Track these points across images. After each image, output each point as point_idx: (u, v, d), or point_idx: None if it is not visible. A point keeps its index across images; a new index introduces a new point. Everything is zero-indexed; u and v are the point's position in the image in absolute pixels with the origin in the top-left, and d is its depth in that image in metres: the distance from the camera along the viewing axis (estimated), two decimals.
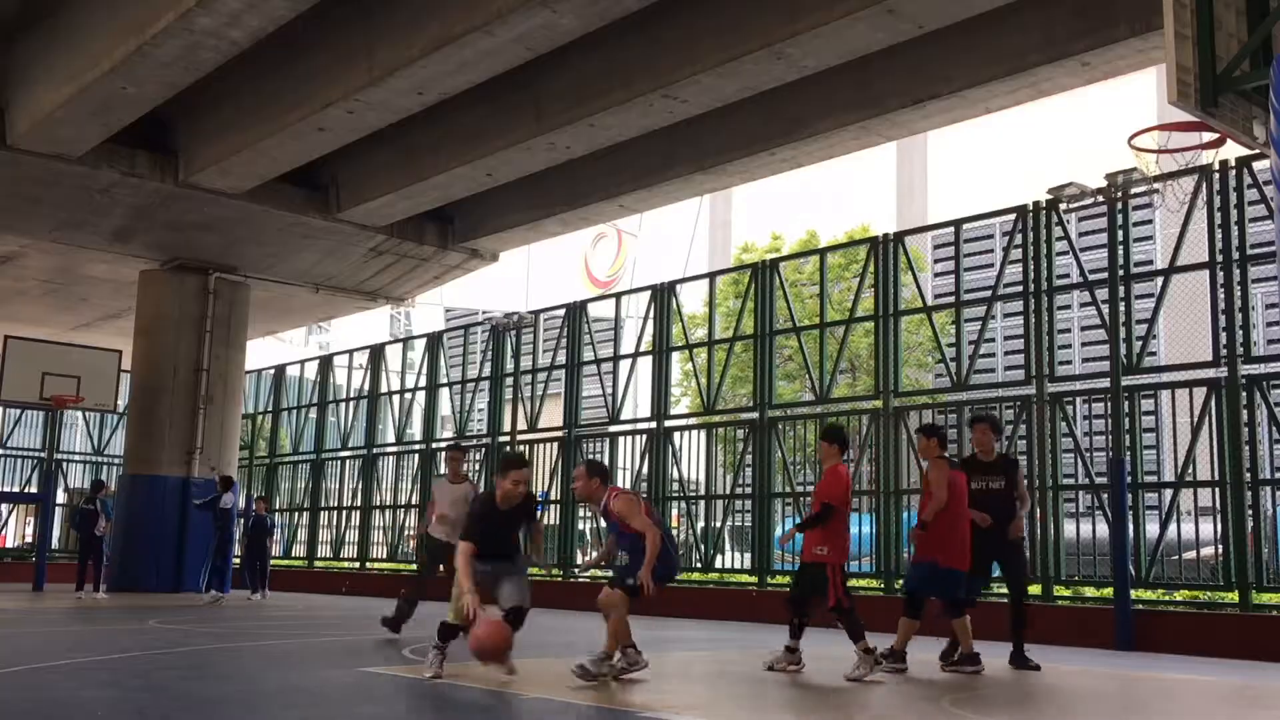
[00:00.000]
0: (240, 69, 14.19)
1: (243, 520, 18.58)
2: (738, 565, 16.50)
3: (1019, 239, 13.20)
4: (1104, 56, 12.10)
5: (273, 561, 23.27)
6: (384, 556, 21.84)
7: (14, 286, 21.79)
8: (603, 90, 13.84)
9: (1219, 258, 11.55)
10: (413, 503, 21.27)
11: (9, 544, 26.60)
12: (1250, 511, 11.06)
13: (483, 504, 7.40)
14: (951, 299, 14.61)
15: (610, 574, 7.65)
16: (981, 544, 8.44)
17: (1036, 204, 13.03)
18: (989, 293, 13.85)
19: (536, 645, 10.63)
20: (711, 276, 18.16)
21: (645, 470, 16.87)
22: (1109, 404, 12.16)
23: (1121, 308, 12.17)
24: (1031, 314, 12.95)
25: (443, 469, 11.38)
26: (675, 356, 18.11)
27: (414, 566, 20.54)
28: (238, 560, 18.87)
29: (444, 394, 21.16)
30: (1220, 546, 11.25)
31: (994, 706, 6.76)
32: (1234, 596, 11.11)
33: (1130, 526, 11.52)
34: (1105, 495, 11.96)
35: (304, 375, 25.24)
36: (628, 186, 16.96)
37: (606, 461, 17.74)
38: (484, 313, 34.66)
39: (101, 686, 6.64)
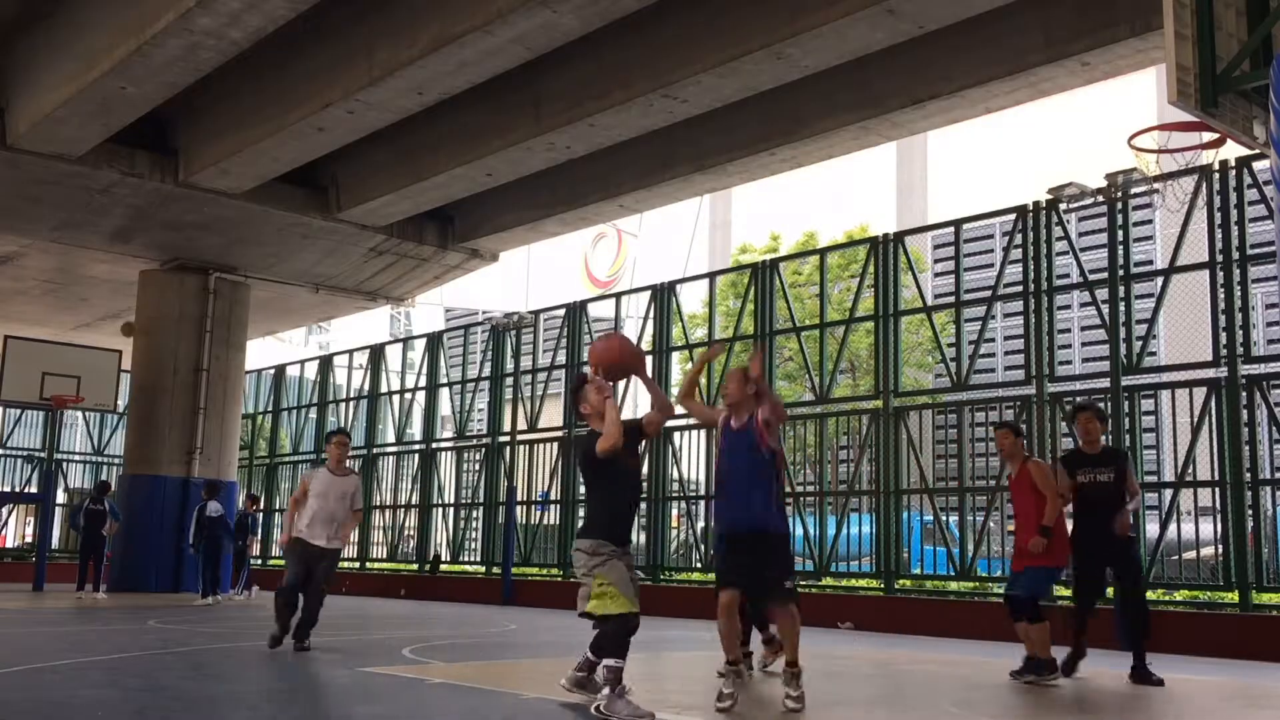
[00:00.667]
0: (240, 69, 14.19)
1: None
2: None
3: (1019, 239, 13.21)
4: (1104, 56, 12.09)
5: (271, 562, 23.35)
6: (384, 556, 21.86)
7: (14, 286, 21.79)
8: (602, 90, 13.83)
9: (1219, 258, 11.55)
10: (413, 503, 21.29)
11: (9, 544, 26.60)
12: (1250, 511, 11.06)
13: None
14: (951, 299, 14.62)
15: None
16: (1090, 543, 7.83)
17: (1036, 204, 13.03)
18: (989, 293, 13.86)
19: (535, 645, 10.63)
20: (711, 276, 18.17)
21: (645, 470, 16.88)
22: (1109, 404, 12.17)
23: (1121, 308, 12.18)
24: (1031, 314, 12.96)
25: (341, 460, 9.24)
26: (675, 356, 18.11)
27: (414, 567, 20.65)
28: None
29: (444, 394, 21.17)
30: (1220, 546, 11.25)
31: (994, 707, 6.76)
32: (1234, 596, 11.11)
33: None
34: None
35: (304, 375, 25.25)
36: (628, 186, 16.96)
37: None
38: (484, 313, 34.66)
39: (101, 686, 6.64)
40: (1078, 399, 12.26)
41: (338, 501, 8.89)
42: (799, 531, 14.96)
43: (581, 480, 6.37)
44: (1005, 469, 8.91)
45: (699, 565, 16.05)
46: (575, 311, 18.59)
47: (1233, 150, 10.26)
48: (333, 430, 9.67)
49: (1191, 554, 12.83)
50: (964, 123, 15.01)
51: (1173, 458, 12.22)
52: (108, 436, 24.94)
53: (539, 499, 18.72)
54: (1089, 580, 8.05)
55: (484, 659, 9.09)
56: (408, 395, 22.25)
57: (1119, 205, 12.21)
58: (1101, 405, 10.32)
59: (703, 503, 16.22)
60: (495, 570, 18.80)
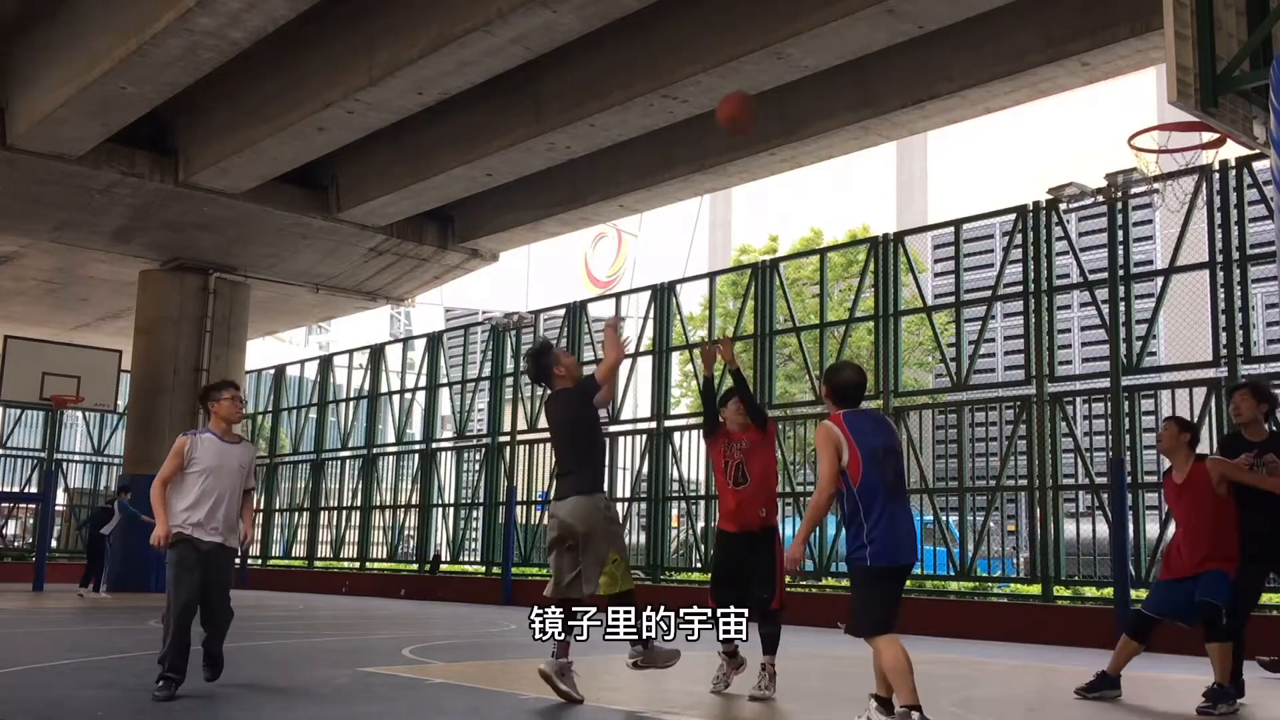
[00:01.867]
0: (240, 69, 14.19)
1: None
2: None
3: (1019, 239, 13.20)
4: (1104, 56, 12.10)
5: (271, 562, 23.39)
6: (384, 556, 21.85)
7: (14, 286, 21.80)
8: (602, 90, 13.84)
9: (1219, 258, 11.55)
10: (413, 503, 21.28)
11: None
12: None
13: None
14: (951, 299, 14.62)
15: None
16: (1250, 547, 6.57)
17: (1036, 204, 13.03)
18: (989, 293, 13.85)
19: (535, 645, 10.62)
20: (711, 276, 18.17)
21: (645, 470, 16.87)
22: (1109, 404, 12.17)
23: (1121, 308, 12.18)
24: (1031, 314, 12.95)
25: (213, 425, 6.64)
26: (675, 356, 18.10)
27: (414, 567, 20.63)
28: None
29: (444, 394, 21.16)
30: None
31: (994, 707, 6.75)
32: None
33: (1130, 526, 11.52)
34: (1105, 495, 11.96)
35: (304, 375, 25.24)
36: (628, 186, 16.96)
37: (605, 461, 17.70)
38: (484, 313, 34.65)
39: (101, 686, 6.63)
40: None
41: (231, 478, 6.41)
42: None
43: (560, 433, 6.37)
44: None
45: (699, 565, 16.04)
46: (575, 311, 18.59)
47: (1233, 150, 10.26)
48: (220, 382, 6.90)
49: None
50: (964, 123, 15.01)
51: None
52: (108, 436, 24.93)
53: (539, 499, 18.71)
54: (1249, 590, 6.87)
55: (484, 659, 9.08)
56: (408, 395, 22.25)
57: (1119, 205, 12.20)
58: (1263, 384, 8.04)
59: (702, 503, 16.22)
60: (495, 570, 18.79)
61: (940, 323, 16.35)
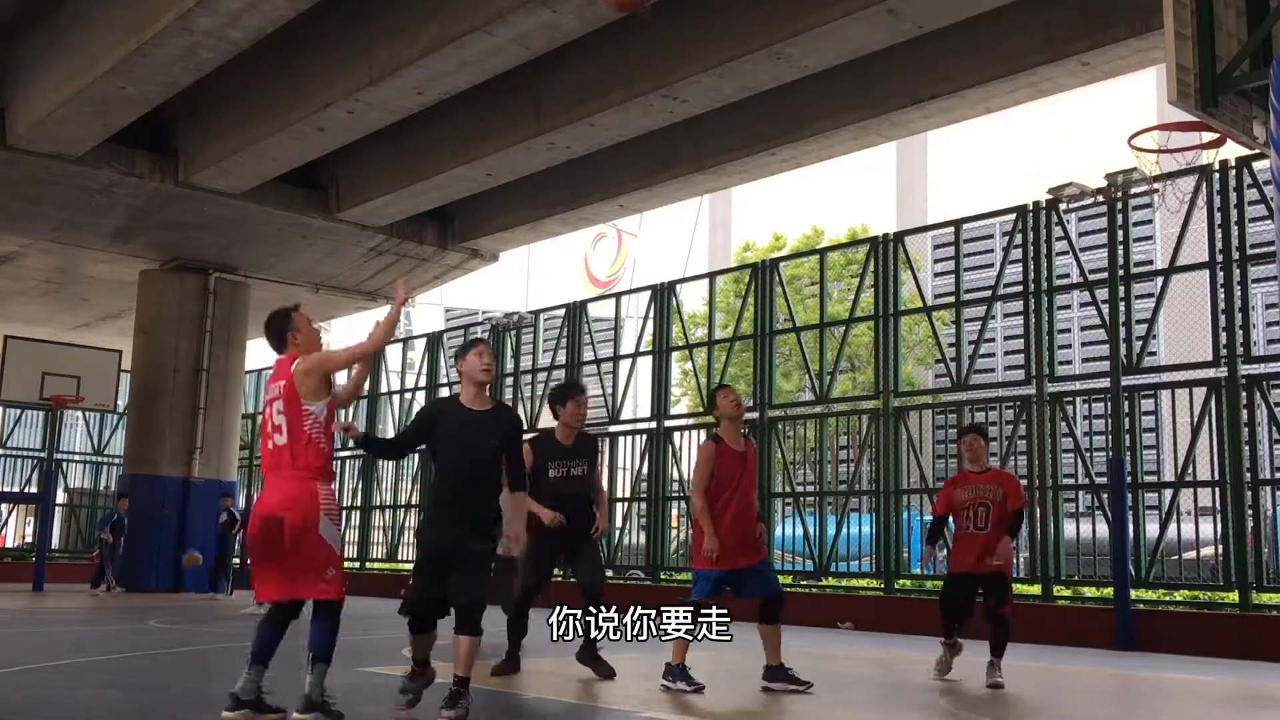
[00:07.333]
0: (240, 69, 14.18)
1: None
2: None
3: (1019, 239, 13.20)
4: (1104, 56, 12.10)
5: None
6: (384, 556, 21.85)
7: (14, 286, 21.79)
8: (603, 90, 13.84)
9: (1219, 258, 11.55)
10: (413, 503, 21.27)
11: (9, 544, 26.59)
12: (1250, 511, 11.06)
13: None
14: (951, 299, 14.62)
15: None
16: None
17: (1036, 204, 13.03)
18: (989, 293, 13.85)
19: (535, 645, 10.61)
20: (711, 276, 18.16)
21: (645, 470, 16.87)
22: (1109, 404, 12.17)
23: (1121, 308, 12.18)
24: (1031, 314, 12.95)
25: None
26: (675, 356, 18.10)
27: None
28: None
29: (443, 394, 21.14)
30: (1220, 546, 11.25)
31: (994, 707, 6.75)
32: (1234, 596, 11.11)
33: (1130, 526, 11.52)
34: (1105, 495, 11.96)
35: None
36: (628, 186, 16.96)
37: (606, 461, 17.71)
38: (484, 313, 34.62)
39: (101, 687, 6.63)
40: None
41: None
42: (799, 531, 14.94)
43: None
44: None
45: None
46: (575, 311, 18.58)
47: (1233, 150, 10.26)
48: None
49: (1191, 554, 12.84)
50: (964, 123, 15.01)
51: (1173, 458, 12.22)
52: (108, 436, 24.92)
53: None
54: None
55: (484, 659, 9.07)
56: (408, 395, 22.25)
57: (1119, 205, 12.20)
58: None
59: None
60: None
61: (941, 322, 16.36)
